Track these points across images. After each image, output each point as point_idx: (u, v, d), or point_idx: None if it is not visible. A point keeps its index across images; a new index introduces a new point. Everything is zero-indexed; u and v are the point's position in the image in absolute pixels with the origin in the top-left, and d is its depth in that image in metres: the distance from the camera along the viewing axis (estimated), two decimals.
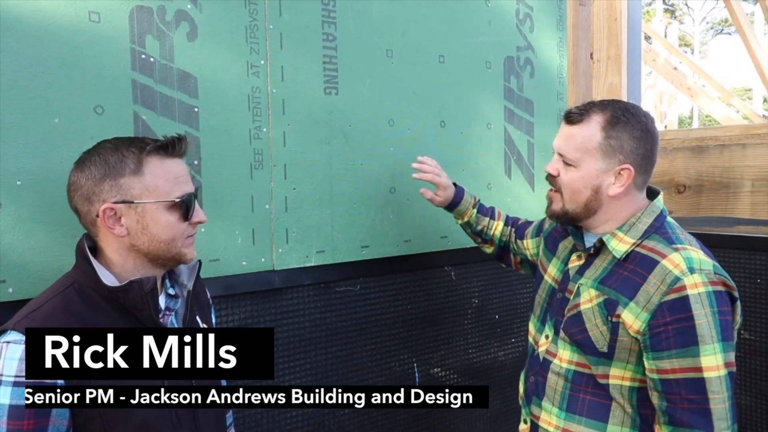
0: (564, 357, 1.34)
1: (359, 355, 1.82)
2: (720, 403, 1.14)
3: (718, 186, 2.31)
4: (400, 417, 1.94)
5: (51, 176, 1.28)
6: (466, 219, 1.74)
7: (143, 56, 1.40)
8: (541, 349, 1.41)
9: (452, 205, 1.72)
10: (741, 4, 4.68)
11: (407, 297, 1.94)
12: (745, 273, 2.16)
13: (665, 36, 9.15)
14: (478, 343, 2.14)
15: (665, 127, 9.25)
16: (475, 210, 1.73)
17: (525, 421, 1.45)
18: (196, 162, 1.48)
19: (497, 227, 1.75)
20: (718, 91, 6.93)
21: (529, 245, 1.67)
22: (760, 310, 2.13)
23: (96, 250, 1.09)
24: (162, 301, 1.14)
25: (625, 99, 2.58)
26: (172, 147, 1.08)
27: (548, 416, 1.36)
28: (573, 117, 1.30)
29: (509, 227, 1.76)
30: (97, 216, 1.04)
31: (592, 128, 1.27)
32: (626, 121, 1.26)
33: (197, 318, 1.22)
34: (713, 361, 1.14)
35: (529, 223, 1.74)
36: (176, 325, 1.15)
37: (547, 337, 1.40)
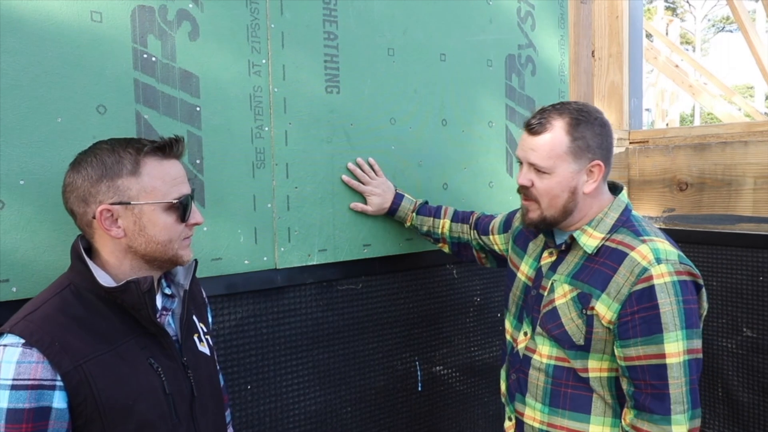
0: (543, 352, 1.37)
1: (361, 353, 1.83)
2: (677, 388, 1.19)
3: (720, 183, 2.31)
4: (402, 415, 1.94)
5: (54, 176, 1.28)
6: (408, 224, 1.80)
7: (145, 56, 1.40)
8: (520, 345, 1.44)
9: (390, 213, 1.78)
10: (743, 1, 4.67)
11: (409, 295, 1.95)
12: (748, 271, 2.16)
13: (667, 34, 9.14)
14: (480, 341, 2.14)
15: (667, 124, 9.24)
16: (414, 214, 1.78)
17: (510, 419, 1.48)
18: (198, 161, 1.49)
19: (444, 225, 1.78)
20: (719, 89, 6.91)
21: (497, 240, 1.69)
22: (762, 307, 2.13)
23: (91, 251, 1.08)
24: (159, 300, 1.14)
25: (626, 97, 2.58)
26: (169, 148, 1.07)
27: (532, 412, 1.39)
28: (535, 127, 1.33)
29: (461, 223, 1.78)
30: (93, 217, 1.04)
31: (557, 133, 1.30)
32: (586, 120, 1.31)
33: (194, 317, 1.21)
34: (675, 348, 1.19)
35: (490, 216, 1.76)
36: (173, 325, 1.15)
37: (525, 334, 1.43)
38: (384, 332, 1.88)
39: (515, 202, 2.18)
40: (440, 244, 1.83)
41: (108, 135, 1.33)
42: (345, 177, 1.73)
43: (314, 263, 1.70)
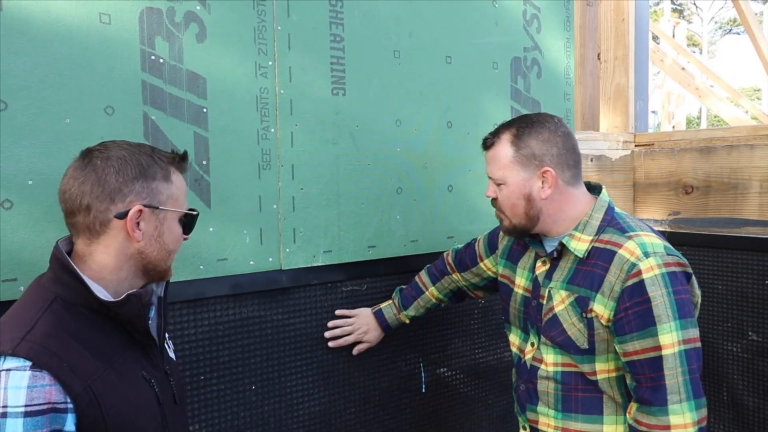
0: (549, 361, 1.40)
1: (366, 354, 1.83)
2: (673, 378, 1.21)
3: (726, 187, 2.30)
4: (406, 416, 1.94)
5: (62, 176, 1.29)
6: (407, 321, 1.79)
7: (153, 57, 1.41)
8: (528, 356, 1.46)
9: (386, 331, 1.78)
10: (749, 3, 4.66)
11: None
12: (753, 274, 2.15)
13: (673, 36, 9.11)
14: (484, 343, 2.14)
15: (673, 127, 9.20)
16: (404, 312, 1.77)
17: (524, 428, 1.50)
18: (204, 162, 1.50)
19: (432, 294, 1.78)
20: (726, 92, 6.89)
21: (488, 264, 1.68)
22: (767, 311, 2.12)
23: (72, 255, 1.03)
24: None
25: (632, 99, 2.58)
26: (185, 162, 1.10)
27: (546, 419, 1.42)
28: (487, 142, 1.42)
29: (442, 279, 1.77)
30: (117, 217, 1.00)
31: (503, 146, 1.38)
32: (530, 130, 1.36)
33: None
34: (669, 339, 1.21)
35: (468, 247, 1.74)
36: (154, 335, 1.12)
37: (532, 344, 1.45)
38: (388, 333, 1.88)
39: None
40: (443, 305, 1.83)
41: (116, 136, 1.34)
42: (332, 343, 1.73)
43: (319, 264, 1.71)
